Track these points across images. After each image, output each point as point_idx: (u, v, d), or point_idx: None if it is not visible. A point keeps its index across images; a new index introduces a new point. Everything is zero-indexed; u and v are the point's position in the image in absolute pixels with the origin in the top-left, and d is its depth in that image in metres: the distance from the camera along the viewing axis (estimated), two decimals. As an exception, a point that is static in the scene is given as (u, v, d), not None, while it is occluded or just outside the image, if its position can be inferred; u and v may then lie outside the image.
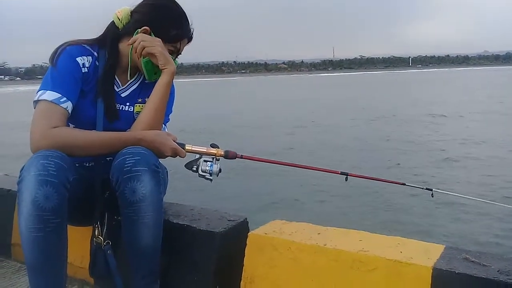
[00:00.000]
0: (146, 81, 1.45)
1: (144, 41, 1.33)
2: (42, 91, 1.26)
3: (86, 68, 1.34)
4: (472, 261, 1.13)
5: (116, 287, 1.29)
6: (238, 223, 1.50)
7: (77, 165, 1.30)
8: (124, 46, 1.39)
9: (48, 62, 1.31)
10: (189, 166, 1.33)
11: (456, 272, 1.08)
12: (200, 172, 1.32)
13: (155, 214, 1.22)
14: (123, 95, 1.43)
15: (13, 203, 1.73)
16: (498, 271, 1.08)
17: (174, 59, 1.44)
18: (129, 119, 1.41)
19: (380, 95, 28.24)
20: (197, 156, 1.35)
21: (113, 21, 1.41)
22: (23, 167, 1.11)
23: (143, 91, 1.46)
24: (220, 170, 1.33)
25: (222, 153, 1.36)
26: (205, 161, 1.33)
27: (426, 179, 6.42)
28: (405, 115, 15.58)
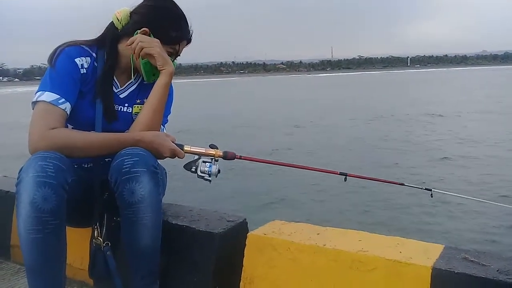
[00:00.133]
0: (144, 82, 1.45)
1: (142, 42, 1.32)
2: (41, 92, 1.25)
3: (84, 69, 1.34)
4: (472, 260, 1.14)
5: (116, 288, 1.29)
6: (237, 224, 1.50)
7: (75, 166, 1.30)
8: (123, 47, 1.39)
9: (46, 63, 1.31)
10: (188, 167, 1.33)
11: (456, 272, 1.08)
12: (199, 173, 1.32)
13: (154, 215, 1.22)
14: (121, 96, 1.43)
15: (11, 204, 1.73)
16: (497, 270, 1.08)
17: (173, 61, 1.44)
18: (128, 120, 1.41)
19: (379, 95, 28.26)
20: (196, 157, 1.34)
21: (112, 21, 1.41)
22: (21, 169, 1.11)
23: (142, 92, 1.46)
24: (219, 171, 1.33)
25: (221, 153, 1.36)
26: (204, 162, 1.33)
27: (424, 179, 6.42)
28: (403, 115, 15.59)
